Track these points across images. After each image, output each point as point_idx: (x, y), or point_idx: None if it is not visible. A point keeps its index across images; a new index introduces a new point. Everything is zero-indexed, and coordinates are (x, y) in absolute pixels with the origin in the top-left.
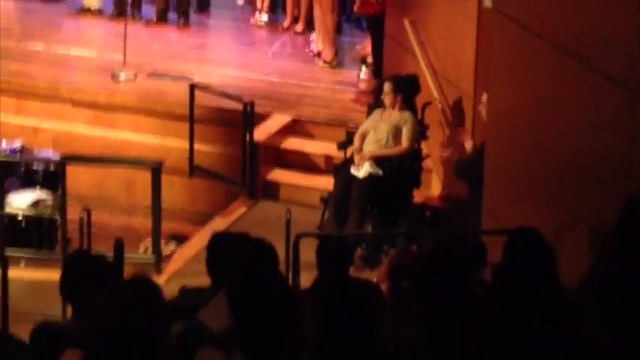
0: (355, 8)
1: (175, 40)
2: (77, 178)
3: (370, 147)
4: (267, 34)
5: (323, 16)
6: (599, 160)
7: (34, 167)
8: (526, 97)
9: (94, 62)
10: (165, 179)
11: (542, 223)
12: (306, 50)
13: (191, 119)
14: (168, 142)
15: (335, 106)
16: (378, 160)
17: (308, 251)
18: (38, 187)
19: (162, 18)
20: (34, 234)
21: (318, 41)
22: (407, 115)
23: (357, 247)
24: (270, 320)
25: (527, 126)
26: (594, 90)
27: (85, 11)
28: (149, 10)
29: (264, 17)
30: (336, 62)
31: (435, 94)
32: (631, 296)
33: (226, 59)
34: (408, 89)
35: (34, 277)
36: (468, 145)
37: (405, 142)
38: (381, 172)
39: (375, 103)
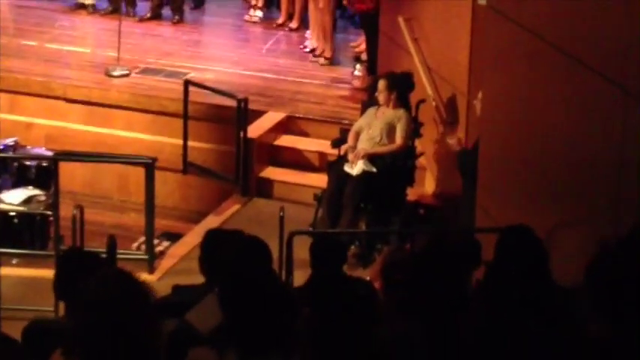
0: (345, 2)
1: (169, 36)
2: (70, 174)
3: (364, 144)
4: (262, 31)
5: (321, 13)
6: (592, 158)
7: (27, 164)
8: (519, 95)
9: (88, 58)
10: (158, 176)
11: (535, 221)
12: (301, 47)
13: (185, 116)
14: (161, 139)
15: (329, 103)
16: (371, 158)
17: (301, 249)
18: (31, 184)
19: (156, 14)
20: (27, 231)
21: (312, 38)
22: (401, 112)
23: (351, 245)
24: (262, 318)
25: (521, 124)
26: (587, 88)
27: (79, 7)
28: (143, 7)
29: (259, 14)
30: (334, 60)
31: (429, 91)
32: (628, 295)
33: (220, 56)
34: (402, 87)
35: (27, 274)
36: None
37: (399, 140)
38: (374, 170)
39: (369, 100)
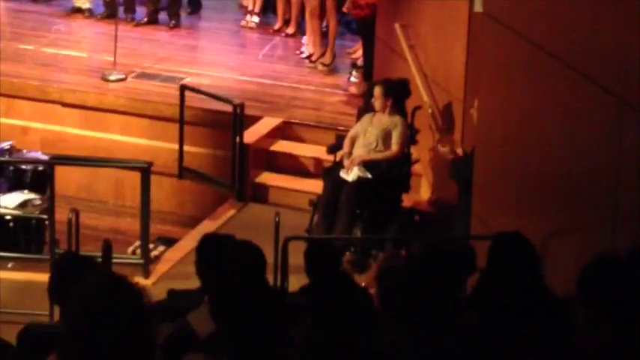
0: (345, 8)
1: (166, 41)
2: (66, 179)
3: (360, 151)
4: (258, 37)
5: (315, 20)
6: (589, 167)
7: (23, 168)
8: (515, 103)
9: (84, 63)
10: (154, 181)
11: (531, 230)
12: (297, 53)
13: (181, 121)
14: (157, 144)
15: (325, 109)
16: (367, 164)
17: (297, 254)
18: (26, 188)
19: (152, 19)
20: (22, 235)
21: (309, 44)
22: (397, 119)
23: (346, 251)
24: (255, 324)
25: (516, 132)
26: (584, 97)
27: (75, 12)
28: (141, 12)
29: (255, 19)
30: (333, 66)
31: (426, 98)
32: (619, 303)
33: (217, 61)
34: (398, 93)
35: (22, 278)
36: (459, 150)
37: (394, 147)
38: (370, 176)
39: (365, 106)
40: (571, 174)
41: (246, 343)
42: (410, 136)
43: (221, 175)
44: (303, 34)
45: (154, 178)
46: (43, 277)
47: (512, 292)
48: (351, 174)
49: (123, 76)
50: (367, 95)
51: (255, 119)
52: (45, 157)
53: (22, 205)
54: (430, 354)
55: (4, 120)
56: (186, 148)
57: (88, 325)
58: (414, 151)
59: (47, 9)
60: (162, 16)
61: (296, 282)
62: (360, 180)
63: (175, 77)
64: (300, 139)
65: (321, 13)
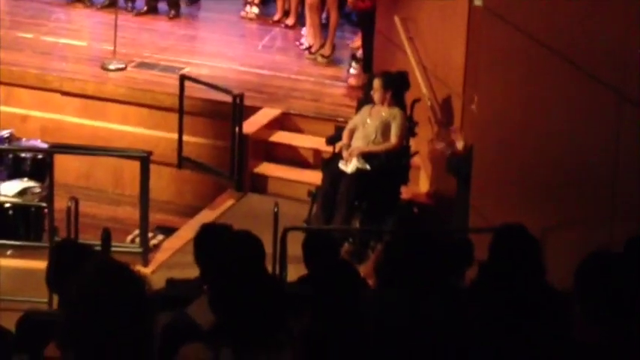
0: (349, 2)
1: (166, 31)
2: (65, 167)
3: (358, 143)
4: (258, 27)
5: (314, 12)
6: (587, 161)
7: (22, 156)
8: (514, 97)
9: (84, 52)
10: (153, 170)
11: (529, 224)
12: (297, 44)
13: (180, 111)
14: (157, 133)
15: (324, 101)
16: (366, 156)
17: (295, 245)
18: (26, 176)
19: (152, 8)
20: (22, 223)
21: (308, 35)
22: (396, 111)
23: (344, 242)
24: (254, 314)
25: (515, 125)
26: (583, 91)
27: (75, 0)
28: (140, 1)
29: (255, 10)
30: (333, 58)
31: (425, 90)
32: (617, 297)
33: (216, 51)
34: (397, 86)
35: (21, 266)
36: (459, 144)
37: (393, 139)
38: (368, 168)
39: (364, 98)
40: (569, 168)
41: (245, 333)
42: (409, 128)
43: (220, 165)
44: (303, 25)
45: (153, 167)
46: (42, 265)
47: (513, 285)
48: (349, 165)
49: (122, 66)
50: (367, 87)
51: (255, 110)
52: (44, 146)
53: (22, 193)
54: (426, 343)
55: (3, 108)
56: (185, 137)
57: (89, 312)
58: (413, 144)
59: None
60: (162, 5)
61: (295, 272)
62: (358, 171)
63: (175, 67)
64: (300, 130)
65: (321, 6)
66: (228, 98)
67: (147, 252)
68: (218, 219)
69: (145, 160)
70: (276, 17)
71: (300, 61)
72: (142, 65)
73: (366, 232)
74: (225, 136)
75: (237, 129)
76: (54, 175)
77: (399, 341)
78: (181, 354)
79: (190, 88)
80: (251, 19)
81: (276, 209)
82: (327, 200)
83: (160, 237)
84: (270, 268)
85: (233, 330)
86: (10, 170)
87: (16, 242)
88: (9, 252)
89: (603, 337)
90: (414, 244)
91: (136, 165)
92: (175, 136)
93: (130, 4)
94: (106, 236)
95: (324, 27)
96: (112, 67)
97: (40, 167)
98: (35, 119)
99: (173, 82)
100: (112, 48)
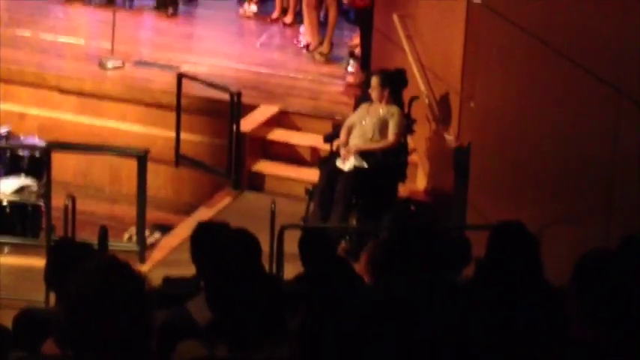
0: (346, 0)
1: (164, 29)
2: (63, 165)
3: (356, 140)
4: (256, 25)
5: (312, 11)
6: (585, 158)
7: (20, 154)
8: (512, 93)
9: (82, 50)
10: (150, 168)
11: (525, 220)
12: (295, 42)
13: (178, 108)
14: (154, 131)
15: (322, 99)
16: (363, 154)
17: (292, 243)
18: (23, 173)
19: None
20: (19, 220)
21: (306, 34)
22: (394, 109)
23: (341, 240)
24: (251, 311)
25: (514, 122)
26: (581, 88)
27: None
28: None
29: (253, 8)
30: (331, 56)
31: (423, 88)
32: (616, 300)
33: (214, 49)
34: (395, 83)
35: (18, 263)
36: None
37: (391, 136)
38: (366, 165)
39: (362, 96)
40: (567, 164)
41: (241, 331)
42: (406, 126)
43: (217, 163)
44: (301, 23)
45: (150, 165)
46: (40, 263)
47: (511, 281)
48: (347, 163)
49: (120, 64)
50: (364, 85)
51: (252, 107)
52: (42, 143)
53: (19, 190)
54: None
55: (1, 106)
56: (182, 135)
57: (89, 310)
58: (411, 141)
59: None
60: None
61: (292, 270)
62: (356, 169)
63: (173, 65)
64: (297, 128)
65: (319, 4)
66: (225, 96)
67: (144, 250)
68: (215, 217)
69: (143, 158)
70: (275, 15)
71: (298, 59)
72: (139, 63)
73: (363, 229)
74: (223, 134)
75: (234, 127)
76: (51, 172)
77: (396, 337)
78: (178, 351)
79: (188, 85)
80: (249, 17)
81: (273, 207)
82: (324, 198)
83: (157, 235)
84: (267, 266)
85: (230, 327)
86: (8, 168)
87: (13, 240)
88: (6, 249)
89: (600, 336)
90: (409, 238)
91: (133, 163)
92: (173, 134)
93: (128, 3)
94: (103, 234)
95: (322, 25)
96: (109, 65)
97: (37, 165)
98: (33, 117)
99: (171, 79)
100: (110, 46)
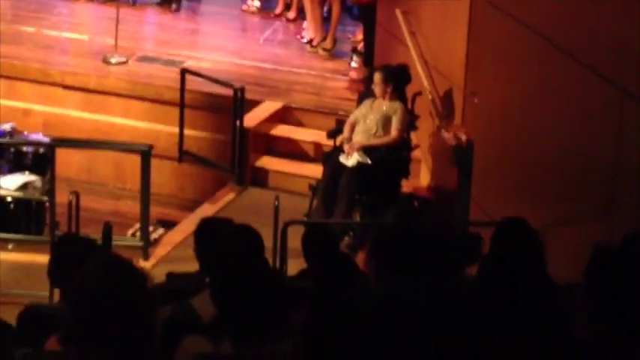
0: None
1: (167, 24)
2: (67, 161)
3: (359, 136)
4: (259, 21)
5: (315, 6)
6: (589, 157)
7: (24, 150)
8: (516, 91)
9: (86, 46)
10: (154, 164)
11: (529, 217)
12: (298, 37)
13: (181, 104)
14: (158, 127)
15: (326, 94)
16: (367, 150)
17: (296, 238)
18: (27, 170)
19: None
20: (23, 217)
21: (309, 29)
22: (397, 105)
23: (345, 236)
24: (255, 307)
25: (517, 119)
26: (585, 87)
27: None
28: None
29: (257, 3)
30: (334, 51)
31: (426, 84)
32: (628, 300)
33: (218, 45)
34: (398, 79)
35: (22, 259)
36: (463, 137)
37: (394, 132)
38: (369, 161)
39: (365, 91)
40: (571, 163)
41: (245, 326)
42: (410, 121)
43: (221, 159)
44: (304, 18)
45: (154, 161)
46: (43, 259)
47: (514, 278)
48: (350, 159)
49: (124, 59)
50: (368, 80)
51: (256, 103)
52: (46, 139)
53: (23, 186)
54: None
55: (5, 102)
56: (186, 131)
57: (93, 307)
58: (414, 137)
59: None
60: None
61: (295, 266)
62: (359, 165)
63: (176, 61)
64: (301, 124)
65: (321, 0)
66: (229, 92)
67: (147, 246)
68: (218, 213)
69: (146, 153)
70: (278, 11)
71: (301, 55)
72: (143, 59)
73: (366, 225)
74: (226, 130)
75: (238, 122)
76: (55, 168)
77: (400, 334)
78: (182, 346)
79: (191, 81)
80: (252, 13)
81: (276, 203)
82: (327, 194)
83: (161, 231)
84: (270, 262)
85: (234, 323)
86: (12, 164)
87: (17, 236)
88: (10, 246)
89: (603, 334)
90: (410, 235)
91: (137, 159)
92: (176, 129)
93: None
94: (107, 230)
95: (325, 20)
96: (113, 60)
97: (41, 161)
98: (37, 113)
99: (174, 75)
100: (114, 42)
